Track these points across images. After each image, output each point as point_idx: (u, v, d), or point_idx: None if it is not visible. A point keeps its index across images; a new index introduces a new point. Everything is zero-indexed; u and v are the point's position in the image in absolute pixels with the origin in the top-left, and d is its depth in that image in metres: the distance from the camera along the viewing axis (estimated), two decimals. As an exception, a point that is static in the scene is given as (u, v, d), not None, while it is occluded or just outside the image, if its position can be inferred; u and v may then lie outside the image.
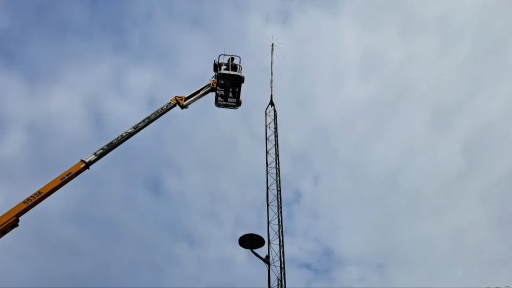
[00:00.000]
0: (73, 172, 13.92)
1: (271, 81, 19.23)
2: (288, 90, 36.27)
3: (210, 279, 35.76)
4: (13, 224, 12.26)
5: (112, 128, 40.04)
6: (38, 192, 12.97)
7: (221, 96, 19.32)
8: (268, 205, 15.22)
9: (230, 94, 19.26)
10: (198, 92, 18.42)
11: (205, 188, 39.85)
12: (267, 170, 16.31)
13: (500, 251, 34.35)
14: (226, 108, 19.75)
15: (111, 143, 15.17)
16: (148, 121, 16.33)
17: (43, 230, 30.61)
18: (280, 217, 14.83)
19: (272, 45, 20.45)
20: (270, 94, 18.78)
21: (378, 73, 43.82)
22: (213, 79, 18.87)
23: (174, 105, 17.44)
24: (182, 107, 17.67)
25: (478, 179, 39.02)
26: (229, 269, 36.27)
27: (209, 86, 18.75)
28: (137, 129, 15.99)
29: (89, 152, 14.67)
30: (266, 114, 18.23)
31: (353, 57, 44.44)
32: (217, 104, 19.56)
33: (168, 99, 17.52)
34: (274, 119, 17.89)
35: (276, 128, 17.57)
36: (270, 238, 14.15)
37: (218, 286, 35.41)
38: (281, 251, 13.93)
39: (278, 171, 16.22)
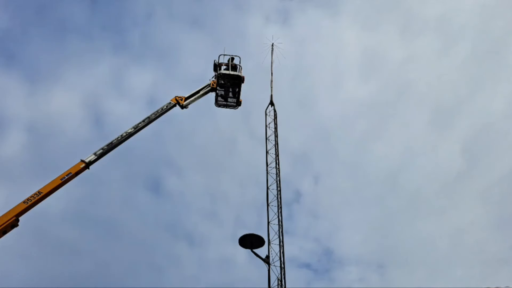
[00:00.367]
0: (73, 172, 13.92)
1: (271, 81, 19.25)
2: (288, 90, 36.32)
3: (210, 279, 35.81)
4: (13, 224, 12.26)
5: (112, 128, 40.10)
6: (38, 192, 12.97)
7: (221, 96, 19.32)
8: (268, 205, 15.23)
9: (230, 94, 19.27)
10: (198, 92, 18.42)
11: (205, 188, 39.89)
12: (267, 170, 16.32)
13: (500, 251, 34.40)
14: (226, 108, 19.76)
15: (111, 143, 15.17)
16: (148, 121, 16.33)
17: (43, 230, 30.64)
18: (280, 217, 14.84)
19: (272, 45, 20.47)
20: (270, 94, 18.79)
21: (378, 73, 43.88)
22: (213, 79, 18.87)
23: (174, 105, 17.44)
24: (182, 107, 17.67)
25: (478, 179, 39.09)
26: (229, 269, 36.31)
27: (209, 86, 18.75)
28: (137, 129, 15.99)
29: (89, 152, 14.67)
30: (266, 114, 18.24)
31: (353, 57, 44.51)
32: (217, 104, 19.56)
33: (168, 99, 17.54)
34: (274, 119, 17.89)
35: (276, 128, 17.58)
36: (270, 238, 14.17)
37: (218, 286, 35.46)
38: (281, 251, 13.93)
39: (278, 171, 16.23)
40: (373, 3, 45.21)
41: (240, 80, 18.75)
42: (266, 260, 13.48)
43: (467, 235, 38.04)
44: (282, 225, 14.64)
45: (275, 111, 18.17)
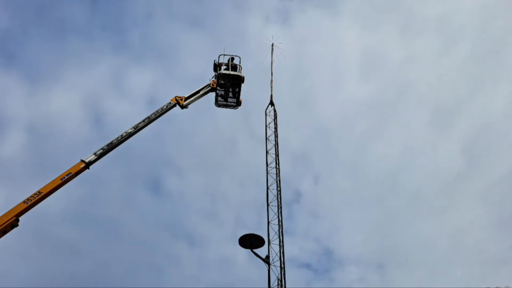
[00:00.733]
0: (73, 172, 13.92)
1: (271, 81, 19.25)
2: (288, 90, 36.34)
3: (210, 279, 35.80)
4: (13, 224, 12.26)
5: (112, 128, 40.10)
6: (38, 192, 12.96)
7: (221, 96, 19.32)
8: (268, 205, 15.23)
9: (230, 94, 19.26)
10: (198, 92, 18.42)
11: (205, 188, 39.89)
12: (267, 170, 16.32)
13: (500, 251, 34.39)
14: (226, 108, 19.76)
15: (111, 143, 15.17)
16: (148, 121, 16.33)
17: (43, 230, 30.64)
18: (280, 217, 14.84)
19: (272, 45, 20.46)
20: (270, 94, 18.79)
21: (378, 73, 43.88)
22: (213, 79, 18.86)
23: (174, 105, 17.44)
24: (182, 107, 17.67)
25: (478, 179, 39.09)
26: (229, 269, 36.31)
27: (209, 86, 18.75)
28: (137, 129, 15.99)
29: (89, 152, 14.67)
30: (266, 114, 18.24)
31: (353, 57, 44.51)
32: (217, 104, 19.56)
33: (168, 99, 17.55)
34: (274, 119, 17.89)
35: (276, 128, 17.58)
36: (270, 238, 14.17)
37: (218, 286, 35.45)
38: (281, 251, 13.93)
39: (278, 171, 16.23)
40: (373, 3, 45.27)
41: (240, 80, 18.75)
42: (266, 260, 13.48)
43: (467, 235, 38.10)
44: (282, 225, 14.66)
45: (275, 111, 18.18)
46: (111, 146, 15.10)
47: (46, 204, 13.35)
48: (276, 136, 17.31)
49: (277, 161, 16.51)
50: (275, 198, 15.42)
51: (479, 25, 42.84)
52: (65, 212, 32.60)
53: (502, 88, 40.30)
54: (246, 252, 13.06)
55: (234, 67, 18.81)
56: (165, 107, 17.11)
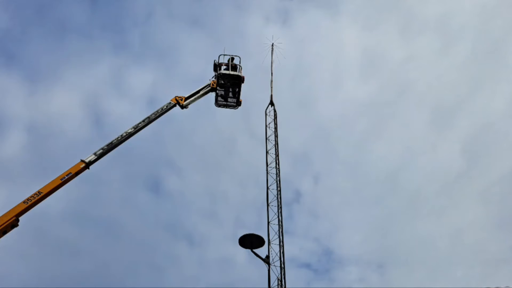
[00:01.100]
0: (73, 172, 13.92)
1: (271, 81, 19.24)
2: (288, 90, 36.32)
3: (210, 279, 35.79)
4: (13, 224, 12.26)
5: (112, 128, 39.98)
6: (38, 192, 12.96)
7: (221, 96, 19.31)
8: (268, 205, 15.22)
9: (230, 94, 19.26)
10: (198, 92, 18.42)
11: (205, 188, 39.89)
12: (267, 170, 16.31)
13: (500, 251, 34.37)
14: (226, 108, 19.75)
15: (111, 143, 15.17)
16: (148, 121, 16.33)
17: (43, 230, 30.67)
18: (280, 217, 14.83)
19: (272, 45, 20.44)
20: (270, 94, 18.78)
21: (378, 73, 43.86)
22: (213, 79, 18.86)
23: (174, 105, 17.44)
24: (182, 107, 17.67)
25: (478, 179, 39.06)
26: (229, 269, 36.28)
27: (209, 86, 18.75)
28: (137, 129, 15.99)
29: (89, 152, 14.67)
30: (266, 114, 18.23)
31: (353, 57, 44.48)
32: (217, 104, 19.56)
33: (168, 99, 17.55)
34: (274, 119, 17.89)
35: (276, 128, 17.57)
36: (270, 238, 14.15)
37: (218, 286, 35.43)
38: (281, 251, 13.92)
39: (278, 171, 16.22)
40: (373, 3, 45.27)
41: (240, 80, 18.75)
42: (266, 260, 13.47)
43: (467, 235, 38.07)
44: (282, 225, 14.65)
45: (275, 111, 18.17)
46: (111, 146, 15.10)
47: (46, 204, 13.38)
48: (276, 136, 17.31)
49: (277, 161, 16.52)
50: (275, 198, 15.41)
51: (479, 25, 42.88)
52: (65, 212, 32.68)
53: (502, 88, 40.36)
54: (246, 252, 13.06)
55: (234, 67, 18.81)
56: (165, 107, 17.11)
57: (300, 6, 45.09)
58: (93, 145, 17.32)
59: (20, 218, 12.46)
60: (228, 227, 38.27)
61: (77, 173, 14.04)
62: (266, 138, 17.36)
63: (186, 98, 17.85)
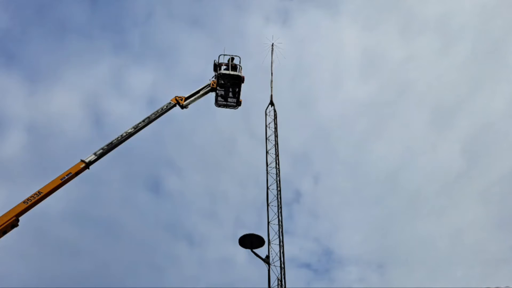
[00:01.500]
0: (73, 172, 13.92)
1: (271, 81, 19.25)
2: (288, 90, 36.32)
3: (210, 279, 35.78)
4: (13, 224, 12.26)
5: (112, 128, 39.99)
6: (38, 192, 12.96)
7: (221, 96, 19.31)
8: (268, 205, 15.22)
9: (230, 94, 19.26)
10: (198, 92, 18.42)
11: (205, 188, 39.90)
12: (267, 170, 16.31)
13: (500, 251, 34.37)
14: (226, 108, 19.75)
15: (111, 143, 15.17)
16: (148, 121, 16.33)
17: (43, 230, 30.68)
18: (280, 217, 14.83)
19: (272, 45, 20.44)
20: (270, 94, 18.78)
21: (378, 73, 43.86)
22: (213, 79, 18.86)
23: (174, 105, 17.44)
24: (182, 107, 17.67)
25: (478, 179, 39.06)
26: (229, 269, 36.27)
27: (209, 86, 18.75)
28: (137, 129, 15.99)
29: (89, 152, 14.67)
30: (266, 114, 18.23)
31: (353, 57, 44.48)
32: (217, 104, 19.56)
33: (168, 99, 17.54)
34: (274, 119, 17.89)
35: (276, 128, 17.57)
36: (270, 238, 14.15)
37: (218, 286, 35.40)
38: (281, 251, 13.92)
39: (278, 171, 16.22)
40: (373, 3, 45.27)
41: (240, 80, 18.75)
42: (266, 260, 13.47)
43: (467, 235, 38.07)
44: (282, 225, 14.65)
45: (275, 111, 18.17)
46: (111, 146, 15.10)
47: (46, 204, 13.37)
48: (276, 136, 17.31)
49: (277, 161, 16.52)
50: (275, 198, 15.41)
51: (479, 25, 42.88)
52: (65, 212, 32.70)
53: (502, 88, 40.36)
54: (246, 252, 13.06)
55: (234, 67, 18.81)
56: (165, 107, 17.11)
57: (300, 6, 45.14)
58: (93, 145, 17.35)
59: (20, 218, 12.45)
60: (228, 227, 38.32)
61: (77, 173, 14.04)
62: (266, 138, 17.37)
63: (186, 98, 17.85)
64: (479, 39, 41.76)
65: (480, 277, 33.05)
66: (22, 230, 12.61)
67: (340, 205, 41.25)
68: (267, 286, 13.00)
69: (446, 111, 41.73)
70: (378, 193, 41.57)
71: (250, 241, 12.77)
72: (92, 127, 40.97)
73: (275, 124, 17.71)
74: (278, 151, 16.84)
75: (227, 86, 19.01)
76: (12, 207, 12.39)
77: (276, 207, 15.11)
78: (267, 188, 15.77)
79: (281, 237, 14.26)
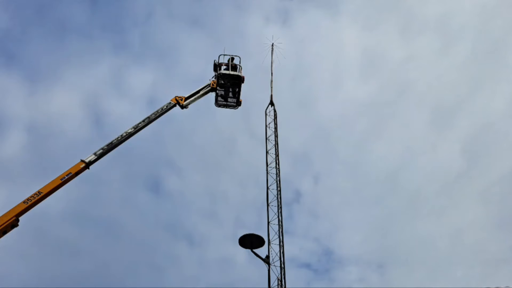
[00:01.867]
0: (73, 172, 13.92)
1: (271, 81, 19.24)
2: (288, 90, 36.32)
3: (210, 279, 35.79)
4: (13, 224, 12.26)
5: (112, 128, 39.99)
6: (38, 192, 12.96)
7: (221, 96, 19.31)
8: (268, 205, 15.22)
9: (230, 94, 19.26)
10: (198, 92, 18.42)
11: (205, 188, 39.90)
12: (267, 170, 16.31)
13: (500, 251, 34.38)
14: (226, 108, 19.75)
15: (111, 143, 15.17)
16: (148, 121, 16.33)
17: (43, 230, 30.68)
18: (280, 217, 14.83)
19: (272, 45, 20.44)
20: (270, 94, 18.78)
21: (378, 73, 43.87)
22: (213, 79, 18.86)
23: (174, 105, 17.44)
24: (182, 107, 17.68)
25: (478, 179, 39.06)
26: (229, 269, 36.28)
27: (209, 86, 18.75)
28: (137, 129, 15.99)
29: (89, 152, 14.67)
30: (266, 114, 18.23)
31: (353, 57, 44.49)
32: (217, 104, 19.56)
33: (168, 99, 17.54)
34: (274, 119, 17.89)
35: (276, 128, 17.57)
36: (270, 238, 14.15)
37: (218, 286, 35.41)
38: (281, 251, 13.93)
39: (278, 171, 16.22)
40: (373, 3, 45.27)
41: (240, 80, 18.75)
42: (266, 260, 13.47)
43: (467, 235, 38.08)
44: (282, 225, 14.65)
45: (275, 111, 18.17)
46: (111, 146, 15.10)
47: (46, 204, 13.37)
48: (276, 136, 17.31)
49: (277, 161, 16.52)
50: (275, 198, 15.41)
51: (479, 25, 42.89)
52: (65, 212, 32.70)
53: (502, 88, 40.37)
54: (246, 252, 13.06)
55: (234, 67, 18.81)
56: (165, 107, 17.11)
57: (300, 6, 45.14)
58: (93, 145, 17.35)
59: (20, 218, 12.45)
60: (228, 227, 38.32)
61: (77, 173, 14.04)
62: (266, 138, 17.37)
63: (186, 98, 17.85)
64: (479, 39, 41.83)
65: (480, 277, 33.10)
66: (22, 230, 12.64)
67: (340, 205, 41.31)
68: (267, 286, 13.01)
69: (446, 111, 41.81)
70: (378, 193, 41.64)
71: (250, 241, 12.77)
72: (92, 127, 41.03)
73: (275, 124, 17.72)
74: (278, 151, 16.86)
75: (227, 86, 19.01)
76: (12, 207, 12.40)
77: (276, 207, 15.11)
78: (267, 188, 15.77)
79: (281, 237, 14.27)
